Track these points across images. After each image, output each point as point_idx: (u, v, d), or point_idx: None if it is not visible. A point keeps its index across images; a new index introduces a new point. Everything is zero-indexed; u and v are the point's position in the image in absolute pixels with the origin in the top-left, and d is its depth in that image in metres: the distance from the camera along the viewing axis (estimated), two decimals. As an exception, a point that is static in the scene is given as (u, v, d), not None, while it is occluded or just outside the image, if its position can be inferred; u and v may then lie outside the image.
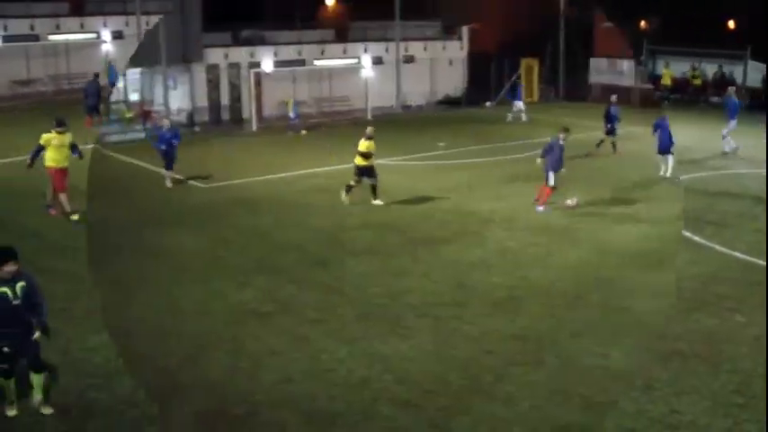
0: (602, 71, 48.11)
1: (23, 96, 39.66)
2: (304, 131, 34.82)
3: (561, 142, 20.52)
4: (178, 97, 37.51)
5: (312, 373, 11.55)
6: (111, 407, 10.56)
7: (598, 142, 29.00)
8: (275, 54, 39.70)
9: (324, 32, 47.29)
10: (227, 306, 14.26)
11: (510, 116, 38.71)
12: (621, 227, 19.04)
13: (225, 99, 39.03)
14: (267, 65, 38.33)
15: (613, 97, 30.12)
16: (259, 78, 38.61)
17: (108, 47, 42.51)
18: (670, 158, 24.07)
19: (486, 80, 46.57)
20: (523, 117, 38.45)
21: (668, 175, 23.76)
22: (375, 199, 21.31)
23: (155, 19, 43.70)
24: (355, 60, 41.17)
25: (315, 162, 27.42)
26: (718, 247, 16.58)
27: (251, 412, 10.47)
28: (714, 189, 21.89)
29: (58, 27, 42.58)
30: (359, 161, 21.39)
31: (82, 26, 43.68)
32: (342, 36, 46.85)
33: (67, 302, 14.00)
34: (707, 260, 15.97)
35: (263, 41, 41.17)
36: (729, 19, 51.47)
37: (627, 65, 46.78)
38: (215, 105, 38.82)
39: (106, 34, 42.76)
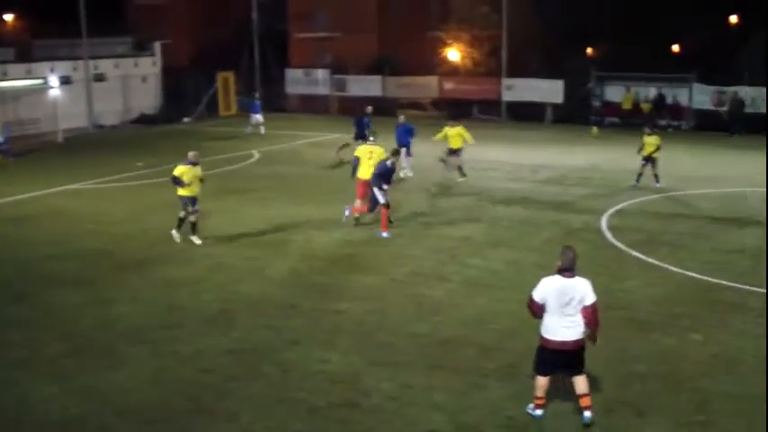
0: (298, 81, 49.07)
1: None
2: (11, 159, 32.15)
3: (389, 164, 19.32)
4: None
5: (20, 417, 10.77)
6: None
7: (342, 145, 29.26)
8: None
9: (3, 51, 44.59)
10: None
11: (249, 129, 38.21)
12: (325, 233, 19.46)
13: None
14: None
15: (369, 108, 30.59)
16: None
17: (56, 92, 38.41)
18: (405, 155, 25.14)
19: (183, 95, 46.02)
20: (262, 130, 37.99)
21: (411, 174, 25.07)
22: (195, 234, 19.00)
23: (104, 63, 42.37)
24: (41, 81, 39.08)
25: (5, 191, 25.73)
26: (672, 268, 16.52)
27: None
28: (668, 210, 21.71)
29: (5, 74, 39.08)
30: (188, 191, 18.71)
31: (29, 72, 40.13)
32: (24, 55, 44.43)
33: (24, 351, 12.87)
34: (661, 281, 15.82)
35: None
36: (674, 44, 53.19)
37: (322, 74, 48.03)
38: None
39: (53, 80, 38.68)
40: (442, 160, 26.34)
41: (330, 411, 10.58)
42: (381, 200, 19.05)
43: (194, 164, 18.70)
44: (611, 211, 21.34)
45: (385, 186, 19.08)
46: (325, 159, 29.33)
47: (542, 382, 10.08)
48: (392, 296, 15.01)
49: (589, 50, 51.18)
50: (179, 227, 18.93)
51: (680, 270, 16.40)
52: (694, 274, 16.11)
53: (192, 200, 18.79)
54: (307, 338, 13.08)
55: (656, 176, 24.49)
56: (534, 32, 45.63)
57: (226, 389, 11.34)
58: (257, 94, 39.65)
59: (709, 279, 15.83)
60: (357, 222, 20.00)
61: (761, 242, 18.24)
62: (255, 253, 18.05)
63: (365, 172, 19.78)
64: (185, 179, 18.43)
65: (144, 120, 44.17)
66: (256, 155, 32.10)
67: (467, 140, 26.03)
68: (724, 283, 15.54)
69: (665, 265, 16.69)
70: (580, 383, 10.00)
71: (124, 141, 37.78)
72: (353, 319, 13.88)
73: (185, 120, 44.57)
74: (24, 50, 45.68)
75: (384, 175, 19.10)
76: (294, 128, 39.69)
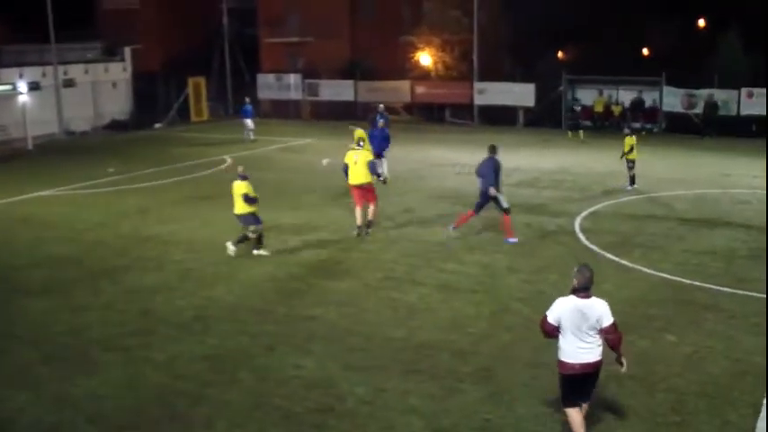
0: (270, 86, 48.95)
1: None
2: None
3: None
4: None
5: (-8, 426, 10.69)
6: None
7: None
8: None
9: (-29, 57, 44.17)
10: None
11: (250, 135, 37.59)
12: (299, 238, 19.44)
13: None
14: None
15: (381, 106, 30.58)
16: None
17: (24, 98, 37.76)
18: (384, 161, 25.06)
19: (154, 101, 45.82)
20: (251, 136, 37.69)
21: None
22: (260, 249, 18.18)
23: (73, 68, 41.92)
24: (10, 87, 38.69)
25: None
26: (645, 270, 16.52)
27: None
28: (641, 212, 21.67)
29: None
30: (236, 208, 18.07)
31: None
32: (-8, 60, 44.02)
33: None
34: (635, 283, 15.80)
35: None
36: (644, 47, 53.03)
37: (294, 79, 47.93)
38: None
39: (22, 85, 38.04)
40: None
41: (306, 417, 10.54)
42: (504, 204, 18.70)
43: (242, 178, 18.05)
44: (585, 213, 21.45)
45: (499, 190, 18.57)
46: (297, 164, 29.28)
47: (576, 416, 9.45)
48: (366, 301, 14.99)
49: (560, 54, 51.41)
50: (240, 242, 18.21)
51: (653, 272, 16.48)
52: (667, 276, 16.20)
53: (238, 217, 18.17)
54: (282, 344, 13.03)
55: (631, 178, 24.67)
56: (505, 36, 45.83)
57: (201, 395, 11.27)
58: (248, 100, 39.40)
59: (682, 280, 15.93)
60: (360, 231, 19.60)
61: (731, 243, 18.43)
62: (226, 259, 17.93)
63: (354, 177, 19.42)
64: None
65: (115, 126, 43.89)
66: (228, 160, 31.96)
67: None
68: (696, 283, 15.66)
69: (639, 267, 16.77)
70: (583, 409, 9.66)
71: (95, 147, 37.52)
72: (328, 325, 13.84)
73: (157, 125, 44.34)
74: (-7, 56, 45.25)
75: (492, 175, 18.50)
76: (267, 133, 39.53)
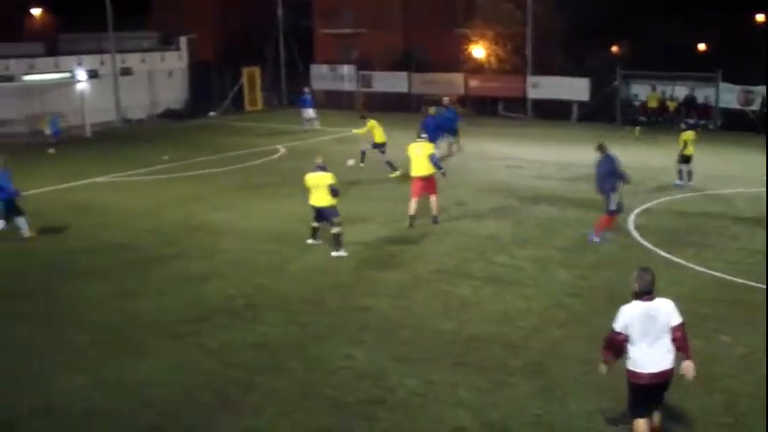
0: (323, 77, 49.01)
1: None
2: (52, 150, 32.82)
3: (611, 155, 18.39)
4: None
5: (45, 408, 10.80)
6: None
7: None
8: (-22, 69, 37.21)
9: (31, 45, 44.90)
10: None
11: (306, 125, 37.63)
12: (350, 229, 19.41)
13: None
14: (-31, 81, 35.79)
15: (446, 99, 30.52)
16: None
17: (82, 86, 38.78)
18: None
19: (209, 90, 46.20)
20: (315, 125, 37.70)
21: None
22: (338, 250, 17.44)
23: (130, 57, 42.74)
24: (69, 74, 39.29)
25: (29, 185, 25.85)
26: (698, 268, 16.28)
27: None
28: (695, 210, 21.36)
29: (32, 67, 39.48)
30: (319, 200, 17.45)
31: (57, 66, 40.58)
32: (52, 49, 44.69)
33: (49, 343, 12.96)
34: (688, 281, 15.54)
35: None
36: (699, 42, 52.44)
37: (347, 70, 47.95)
38: None
39: (81, 73, 39.02)
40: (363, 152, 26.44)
41: (356, 407, 10.53)
42: (612, 206, 18.09)
43: (321, 169, 17.46)
44: (638, 210, 21.11)
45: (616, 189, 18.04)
46: (349, 155, 29.24)
47: (643, 426, 9.06)
48: (418, 293, 14.93)
49: (614, 48, 50.73)
50: (313, 235, 18.02)
51: (706, 270, 16.17)
52: (721, 275, 15.87)
53: (320, 210, 17.58)
54: (332, 334, 13.04)
55: (689, 174, 24.27)
56: (559, 30, 45.35)
57: (251, 383, 11.33)
58: (308, 90, 39.45)
59: (736, 279, 15.60)
60: (413, 221, 19.58)
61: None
62: (279, 248, 18.03)
63: (417, 169, 19.53)
64: (307, 185, 17.55)
65: (170, 114, 44.33)
66: (282, 150, 32.11)
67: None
68: (750, 283, 15.31)
69: (692, 265, 16.46)
70: (656, 417, 9.35)
71: (150, 135, 37.97)
72: (379, 316, 13.81)
73: (211, 114, 44.69)
74: (52, 45, 45.91)
75: (613, 173, 18.01)
76: (320, 123, 39.61)
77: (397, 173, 25.11)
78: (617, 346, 8.92)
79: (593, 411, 10.26)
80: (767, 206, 20.06)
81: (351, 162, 23.17)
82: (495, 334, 12.89)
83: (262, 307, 14.38)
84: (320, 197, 17.34)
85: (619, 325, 8.85)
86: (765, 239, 17.76)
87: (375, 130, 26.69)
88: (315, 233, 17.89)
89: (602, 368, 9.24)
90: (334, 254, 17.25)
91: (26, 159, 29.64)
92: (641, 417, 9.07)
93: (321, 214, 17.57)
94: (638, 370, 8.87)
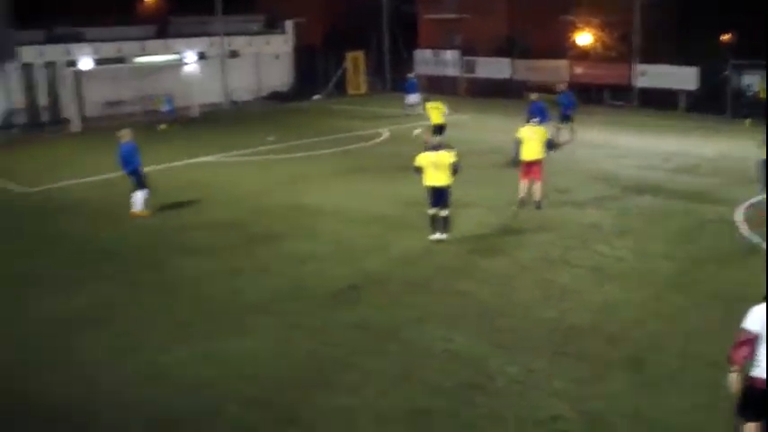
0: (427, 62, 48.97)
1: (112, 117, 37.44)
2: (163, 126, 34.06)
3: None
4: (-9, 99, 35.82)
5: (152, 377, 11.24)
6: (197, 418, 10.11)
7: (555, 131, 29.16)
8: (94, 51, 38.41)
9: (143, 28, 46.11)
10: (56, 315, 13.68)
11: (407, 110, 37.51)
12: (456, 212, 19.43)
13: (43, 100, 37.53)
14: (86, 63, 37.00)
15: (561, 86, 30.71)
16: (78, 77, 37.27)
17: (191, 68, 40.74)
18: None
19: (313, 73, 46.72)
20: (417, 110, 37.09)
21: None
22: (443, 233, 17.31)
23: (237, 40, 44.31)
24: (178, 56, 40.30)
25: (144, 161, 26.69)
26: None
27: (91, 420, 10.11)
28: None
29: (144, 49, 41.26)
30: (437, 180, 17.10)
31: (167, 48, 42.31)
32: (162, 32, 45.82)
33: (156, 315, 13.51)
34: None
35: (79, 38, 39.75)
36: None
37: (451, 55, 47.83)
38: (32, 107, 37.29)
39: (190, 55, 41.01)
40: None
41: (453, 391, 10.59)
42: None
43: (434, 148, 17.17)
44: (746, 203, 20.56)
45: None
46: (451, 141, 29.25)
47: (753, 429, 8.42)
48: (519, 280, 14.90)
49: (725, 36, 49.07)
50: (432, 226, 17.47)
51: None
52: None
53: (439, 191, 17.08)
54: (432, 318, 13.13)
55: None
56: (668, 17, 44.23)
57: (349, 362, 11.52)
58: (412, 75, 39.51)
59: None
60: (522, 205, 19.80)
61: None
62: (380, 230, 18.21)
63: (528, 153, 19.70)
64: (422, 164, 17.12)
65: (275, 96, 45.01)
66: (385, 134, 32.33)
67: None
68: None
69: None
70: None
71: (256, 117, 38.69)
72: (479, 302, 13.84)
73: (315, 97, 45.21)
74: (163, 27, 47.06)
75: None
76: (422, 108, 39.63)
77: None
78: (749, 346, 8.13)
79: (691, 408, 10.09)
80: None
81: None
82: (595, 324, 12.78)
83: (362, 288, 14.57)
84: (440, 176, 16.99)
85: (755, 324, 8.09)
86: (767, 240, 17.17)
87: (433, 111, 28.06)
88: (435, 222, 17.29)
89: (733, 379, 8.28)
90: (435, 237, 17.21)
91: (139, 138, 30.51)
92: (753, 420, 8.43)
93: (439, 196, 17.11)
94: (759, 375, 8.20)
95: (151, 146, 29.35)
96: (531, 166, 19.77)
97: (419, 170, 17.16)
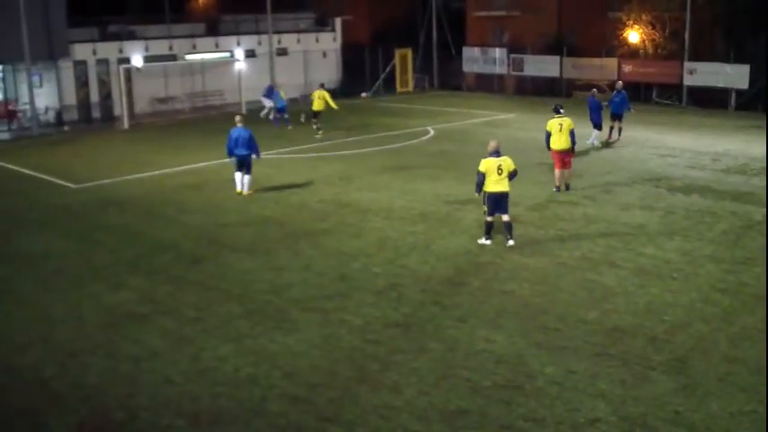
0: (475, 60, 48.88)
1: (161, 113, 38.66)
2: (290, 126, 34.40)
3: None
4: (45, 95, 36.42)
5: (194, 373, 11.39)
6: (239, 415, 10.27)
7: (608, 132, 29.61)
8: (145, 49, 38.94)
9: (194, 26, 46.70)
10: (102, 309, 13.91)
11: None
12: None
13: (94, 96, 38.15)
14: (137, 60, 37.53)
15: (619, 83, 30.88)
16: (129, 74, 37.80)
17: (241, 65, 41.50)
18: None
19: (361, 71, 46.87)
20: None
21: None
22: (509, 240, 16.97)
23: (286, 38, 45.27)
24: (228, 54, 40.71)
25: (188, 158, 27.03)
26: None
27: (132, 417, 10.26)
28: None
29: (194, 47, 42.41)
30: (501, 186, 16.68)
31: (216, 45, 43.55)
32: (213, 29, 46.33)
33: (199, 311, 13.71)
34: None
35: (131, 36, 40.35)
36: None
37: (499, 53, 47.66)
38: (84, 103, 37.91)
39: (239, 53, 42.03)
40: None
41: (493, 391, 10.61)
42: None
43: (496, 153, 16.63)
44: (798, 204, 20.26)
45: None
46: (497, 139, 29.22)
47: None
48: (561, 280, 14.84)
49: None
50: (487, 233, 17.15)
51: None
52: None
53: (500, 196, 16.66)
54: (473, 317, 13.14)
55: None
56: (719, 14, 43.60)
57: (391, 360, 11.57)
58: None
59: None
60: (559, 189, 21.21)
61: None
62: (424, 229, 18.24)
63: (556, 143, 21.07)
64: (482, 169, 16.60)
65: (324, 94, 45.21)
66: (431, 132, 32.34)
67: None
68: None
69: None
70: None
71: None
72: (521, 301, 13.83)
73: (363, 95, 45.36)
74: (213, 25, 47.57)
75: None
76: (469, 106, 39.67)
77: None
78: None
79: (735, 413, 9.98)
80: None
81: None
82: (638, 326, 12.69)
83: (405, 286, 14.62)
84: (504, 183, 16.63)
85: None
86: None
87: (316, 99, 31.62)
88: (490, 230, 17.00)
89: None
90: (485, 241, 16.98)
91: (189, 134, 31.02)
92: None
93: (501, 203, 16.70)
94: None
95: (202, 142, 29.77)
96: (560, 155, 21.16)
97: (482, 175, 16.68)
